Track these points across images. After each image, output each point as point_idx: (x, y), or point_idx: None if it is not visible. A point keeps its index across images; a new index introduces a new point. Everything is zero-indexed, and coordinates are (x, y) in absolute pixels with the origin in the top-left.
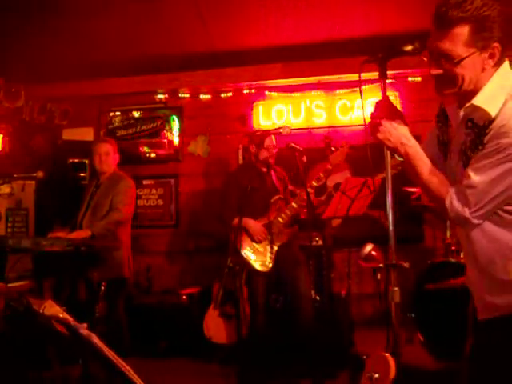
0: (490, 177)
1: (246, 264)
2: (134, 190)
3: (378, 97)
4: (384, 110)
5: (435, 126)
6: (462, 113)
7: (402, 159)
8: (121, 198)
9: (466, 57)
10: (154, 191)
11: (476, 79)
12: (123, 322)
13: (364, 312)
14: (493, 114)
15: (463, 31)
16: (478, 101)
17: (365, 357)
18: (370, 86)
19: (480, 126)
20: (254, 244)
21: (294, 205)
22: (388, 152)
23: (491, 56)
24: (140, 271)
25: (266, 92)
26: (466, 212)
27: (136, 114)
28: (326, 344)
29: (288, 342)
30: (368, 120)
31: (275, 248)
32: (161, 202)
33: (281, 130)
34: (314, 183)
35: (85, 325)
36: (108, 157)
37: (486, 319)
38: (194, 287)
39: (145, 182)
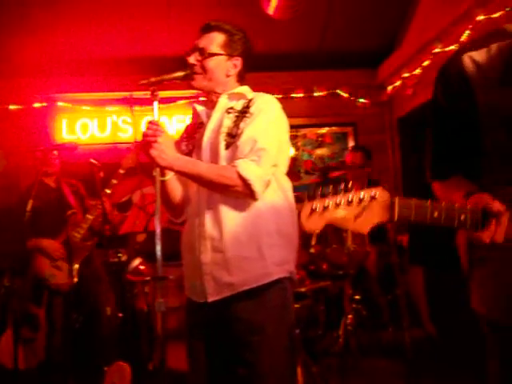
0: (272, 139)
1: (45, 284)
2: None
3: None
4: (156, 129)
5: (182, 145)
6: (222, 102)
7: (165, 178)
8: None
9: (217, 54)
10: None
11: (222, 82)
12: None
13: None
14: (249, 97)
15: (218, 36)
16: (236, 90)
17: (106, 368)
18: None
19: (239, 109)
20: (55, 262)
21: (89, 216)
22: (158, 170)
23: (235, 66)
24: None
25: (71, 105)
26: (263, 171)
27: None
28: (127, 360)
29: (88, 362)
30: (140, 138)
31: (76, 265)
32: None
33: (67, 145)
34: (107, 190)
35: None
36: None
37: (218, 300)
38: None
39: None
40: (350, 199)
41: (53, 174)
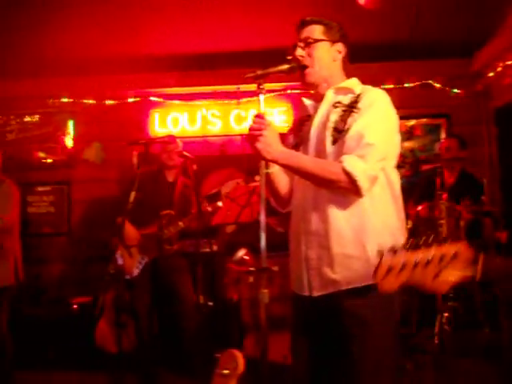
0: (381, 134)
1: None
2: (18, 195)
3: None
4: (262, 122)
5: (290, 138)
6: (329, 96)
7: (270, 171)
8: (2, 205)
9: (321, 40)
10: (45, 198)
11: (329, 68)
12: (6, 334)
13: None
14: (357, 91)
15: (317, 27)
16: (343, 84)
17: (218, 355)
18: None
19: (347, 104)
20: (128, 249)
21: (181, 224)
22: (263, 162)
23: (338, 52)
24: (29, 281)
25: (162, 100)
26: (370, 167)
27: (30, 119)
28: (214, 349)
29: (175, 349)
30: (247, 131)
31: (145, 259)
32: (52, 210)
33: (166, 139)
34: (209, 208)
35: None
36: None
37: (323, 295)
38: (86, 296)
39: (36, 189)
40: (429, 258)
41: (173, 167)
